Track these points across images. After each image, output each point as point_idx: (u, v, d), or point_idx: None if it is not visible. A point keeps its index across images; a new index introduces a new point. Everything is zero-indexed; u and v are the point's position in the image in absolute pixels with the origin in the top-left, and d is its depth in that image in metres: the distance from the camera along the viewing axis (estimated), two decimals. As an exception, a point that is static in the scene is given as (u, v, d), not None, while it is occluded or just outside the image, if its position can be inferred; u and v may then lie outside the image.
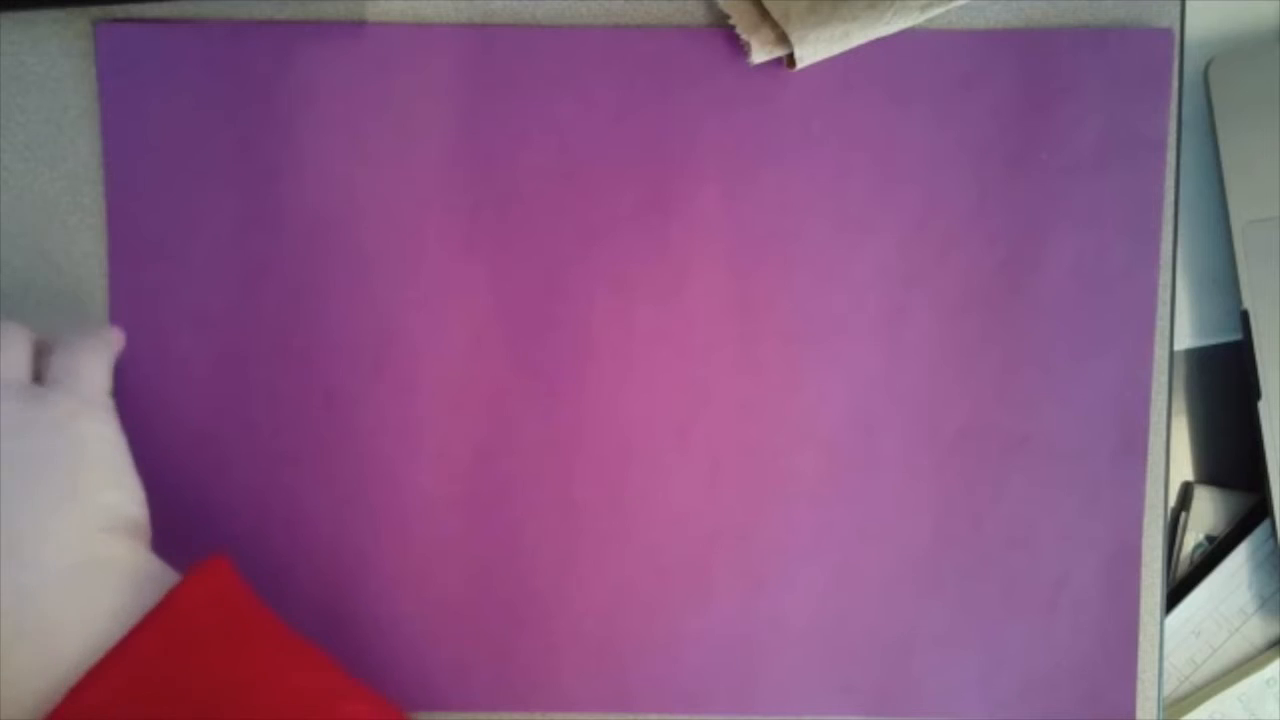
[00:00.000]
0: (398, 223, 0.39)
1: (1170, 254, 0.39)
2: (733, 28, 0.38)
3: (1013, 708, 0.40)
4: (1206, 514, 0.42)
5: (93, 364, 0.34)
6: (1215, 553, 0.42)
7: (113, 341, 0.36)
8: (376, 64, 0.38)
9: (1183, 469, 0.43)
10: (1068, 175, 0.39)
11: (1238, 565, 0.42)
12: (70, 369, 0.33)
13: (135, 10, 0.38)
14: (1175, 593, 0.42)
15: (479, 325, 0.39)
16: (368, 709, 0.30)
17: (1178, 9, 0.39)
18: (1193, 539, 0.42)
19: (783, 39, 0.37)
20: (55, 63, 0.38)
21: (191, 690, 0.28)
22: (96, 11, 0.38)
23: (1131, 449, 0.40)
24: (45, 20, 0.38)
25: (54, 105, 0.39)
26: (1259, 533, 0.42)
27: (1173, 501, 0.42)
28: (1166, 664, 0.42)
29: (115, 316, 0.39)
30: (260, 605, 0.32)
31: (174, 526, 0.39)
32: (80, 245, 0.39)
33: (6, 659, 0.28)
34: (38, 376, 0.33)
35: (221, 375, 0.39)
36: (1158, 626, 0.40)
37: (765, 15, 0.37)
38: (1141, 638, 0.40)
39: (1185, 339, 0.42)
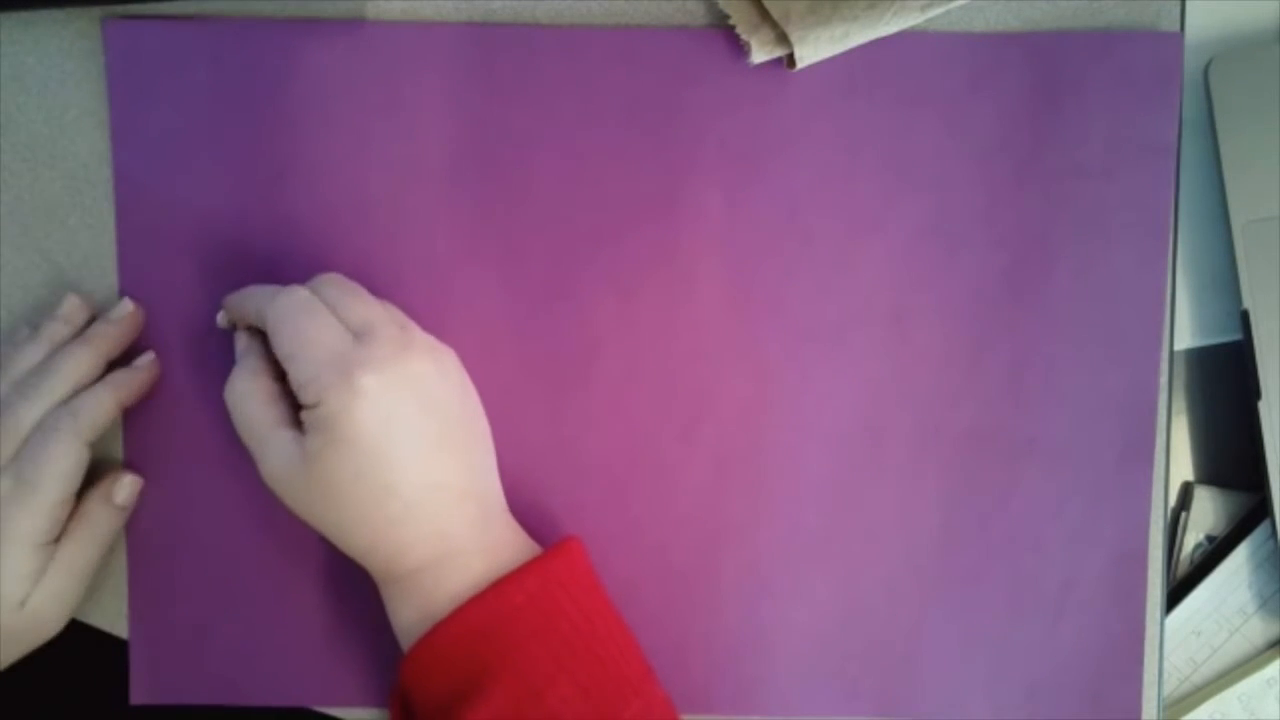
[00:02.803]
0: (404, 222, 0.39)
1: (1170, 254, 0.40)
2: (733, 28, 0.38)
3: (1018, 710, 0.40)
4: (1206, 514, 0.42)
5: None
6: (1215, 553, 0.42)
7: None
8: (380, 63, 0.38)
9: (1183, 469, 0.43)
10: (1075, 178, 0.39)
11: (1238, 565, 0.42)
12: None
13: (135, 10, 0.38)
14: (1175, 593, 0.42)
15: (483, 326, 0.39)
16: (664, 693, 0.35)
17: (1178, 10, 0.39)
18: (1193, 539, 0.42)
19: (783, 39, 0.37)
20: (56, 63, 0.38)
21: (557, 627, 0.33)
22: (98, 12, 0.38)
23: (1138, 452, 0.40)
24: (46, 20, 0.38)
25: (55, 105, 0.39)
26: (1259, 533, 0.42)
27: (1173, 501, 0.42)
28: (1166, 664, 0.42)
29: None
30: (601, 586, 0.36)
31: (177, 527, 0.39)
32: (81, 245, 0.39)
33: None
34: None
35: (228, 373, 0.39)
36: (1158, 626, 0.40)
37: (765, 15, 0.37)
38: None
39: (1185, 339, 0.42)
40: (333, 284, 0.35)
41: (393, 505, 0.33)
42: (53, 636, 0.36)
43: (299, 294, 0.34)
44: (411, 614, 0.34)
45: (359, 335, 0.33)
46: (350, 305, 0.34)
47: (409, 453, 0.33)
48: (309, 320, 0.33)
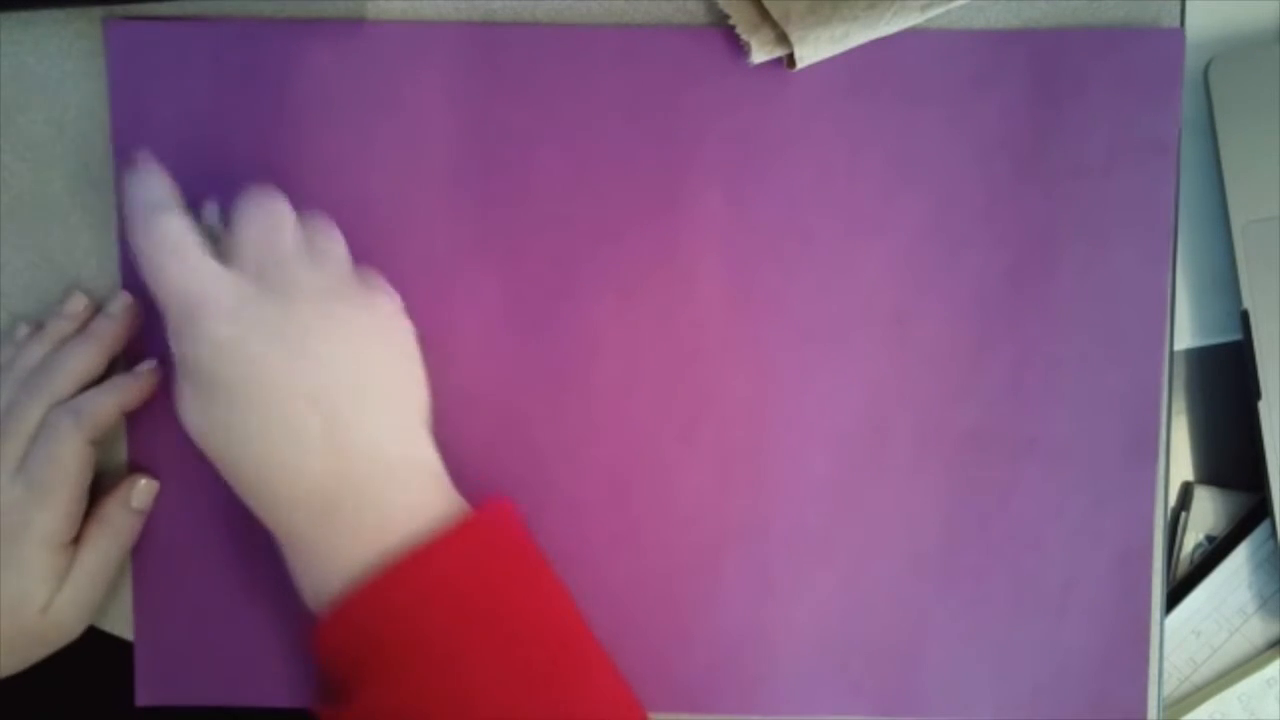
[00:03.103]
0: (404, 222, 0.39)
1: (1170, 254, 0.40)
2: (733, 28, 0.38)
3: (1022, 709, 0.40)
4: (1206, 514, 0.42)
5: (375, 273, 0.36)
6: (1215, 553, 0.42)
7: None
8: (381, 63, 0.38)
9: (1183, 469, 0.43)
10: (1077, 176, 0.39)
11: (1238, 565, 0.42)
12: (370, 276, 0.36)
13: (135, 10, 0.38)
14: (1175, 593, 0.42)
15: (484, 325, 0.39)
16: (608, 661, 0.34)
17: (1178, 9, 0.39)
18: (1193, 539, 0.42)
19: (783, 39, 0.37)
20: (56, 63, 0.38)
21: (481, 606, 0.31)
22: (98, 11, 0.38)
23: (1141, 451, 0.40)
24: (46, 20, 0.38)
25: (55, 105, 0.39)
26: (1259, 533, 0.42)
27: (1173, 501, 0.42)
28: (1166, 664, 0.42)
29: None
30: (529, 550, 0.34)
31: (182, 529, 0.39)
32: (81, 245, 0.39)
33: (347, 516, 0.32)
34: None
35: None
36: (1158, 626, 0.40)
37: (765, 15, 0.37)
38: (1142, 638, 0.40)
39: (1185, 339, 0.42)
40: (247, 202, 0.33)
41: (259, 461, 0.32)
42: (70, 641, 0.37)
43: (160, 230, 0.32)
44: (304, 585, 0.33)
45: (240, 269, 0.32)
46: (246, 231, 0.33)
47: (271, 402, 0.31)
48: (167, 259, 0.32)
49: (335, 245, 0.35)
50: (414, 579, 0.31)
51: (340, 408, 0.32)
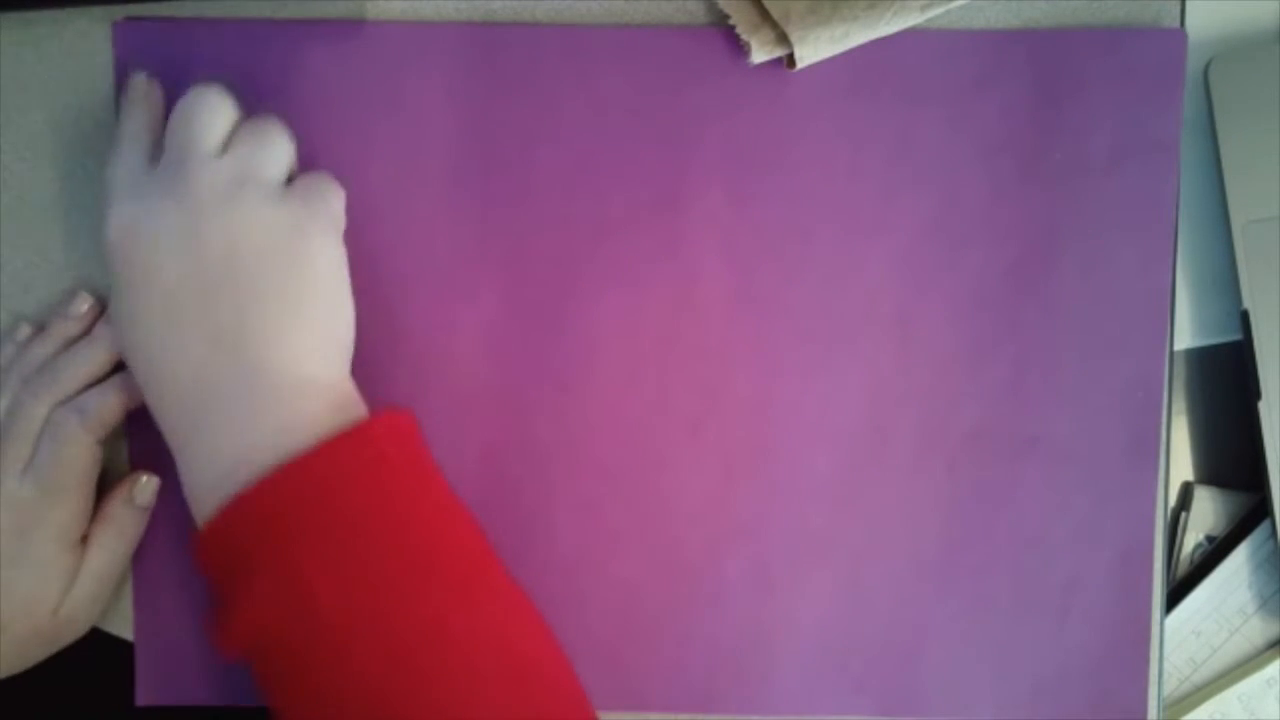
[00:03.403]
0: (406, 222, 0.39)
1: (1171, 253, 0.40)
2: (733, 28, 0.38)
3: (1023, 709, 0.40)
4: (1206, 514, 0.42)
5: (329, 183, 0.35)
6: (1215, 553, 0.42)
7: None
8: (381, 63, 0.38)
9: (1183, 469, 0.43)
10: (1079, 176, 0.39)
11: (1238, 565, 0.42)
12: (310, 185, 0.35)
13: (135, 10, 0.38)
14: (1175, 593, 0.42)
15: (486, 325, 0.39)
16: (509, 579, 0.33)
17: (1178, 9, 0.39)
18: (1193, 539, 0.42)
19: (783, 39, 0.37)
20: (57, 63, 0.38)
21: (370, 510, 0.31)
22: (99, 12, 0.38)
23: (1142, 450, 0.40)
24: (47, 20, 0.38)
25: (55, 105, 0.39)
26: (1259, 533, 0.42)
27: (1173, 501, 0.42)
28: (1166, 664, 0.42)
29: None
30: (430, 458, 0.34)
31: (182, 528, 0.39)
32: (81, 245, 0.39)
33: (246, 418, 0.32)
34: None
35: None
36: (1158, 626, 0.40)
37: (765, 15, 0.37)
38: (1142, 638, 0.40)
39: (1185, 339, 0.42)
40: (185, 95, 0.34)
41: (143, 351, 0.32)
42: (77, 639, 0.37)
43: (120, 121, 0.35)
44: (187, 494, 0.33)
45: (161, 162, 0.33)
46: (171, 123, 0.34)
47: (151, 290, 0.32)
48: (115, 149, 0.34)
49: (266, 147, 0.34)
50: (280, 489, 0.30)
51: (221, 308, 0.32)
